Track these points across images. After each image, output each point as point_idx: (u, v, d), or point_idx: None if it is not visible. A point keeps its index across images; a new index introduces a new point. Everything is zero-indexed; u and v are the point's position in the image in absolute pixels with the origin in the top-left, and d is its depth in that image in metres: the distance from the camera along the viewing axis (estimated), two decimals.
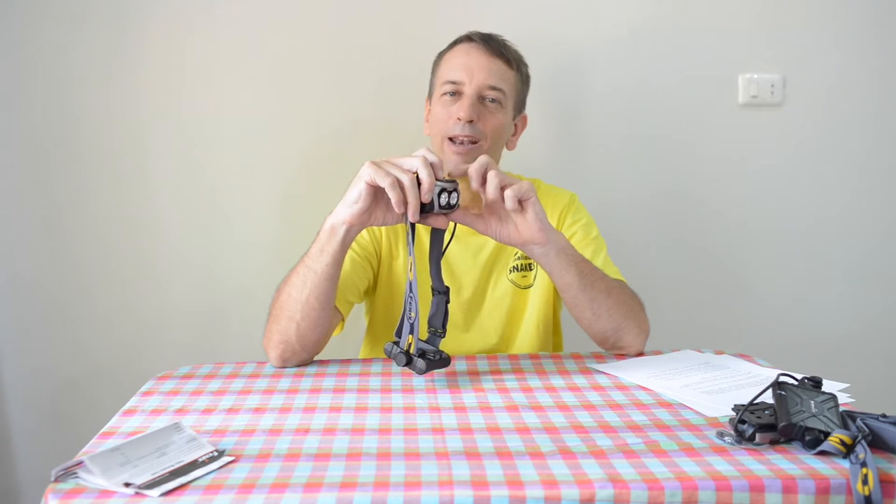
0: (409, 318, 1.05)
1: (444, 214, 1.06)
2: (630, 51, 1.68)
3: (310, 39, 1.62)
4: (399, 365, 1.06)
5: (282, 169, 1.65)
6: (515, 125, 1.40)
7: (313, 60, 1.63)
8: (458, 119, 1.28)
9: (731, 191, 1.74)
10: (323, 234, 1.09)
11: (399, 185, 1.01)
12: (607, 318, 1.17)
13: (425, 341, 1.09)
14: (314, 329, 1.14)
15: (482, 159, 1.06)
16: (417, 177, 1.01)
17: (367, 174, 1.02)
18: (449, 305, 1.10)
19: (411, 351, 1.05)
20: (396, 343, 1.08)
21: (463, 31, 1.38)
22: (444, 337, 1.10)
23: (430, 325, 1.10)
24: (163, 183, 1.62)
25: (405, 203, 1.01)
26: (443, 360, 1.07)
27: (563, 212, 1.38)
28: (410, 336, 1.05)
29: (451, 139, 1.30)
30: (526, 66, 1.39)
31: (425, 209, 1.03)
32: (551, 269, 1.14)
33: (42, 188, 1.60)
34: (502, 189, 1.05)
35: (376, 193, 1.04)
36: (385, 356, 1.12)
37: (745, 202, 1.75)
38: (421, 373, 1.05)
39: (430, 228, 1.09)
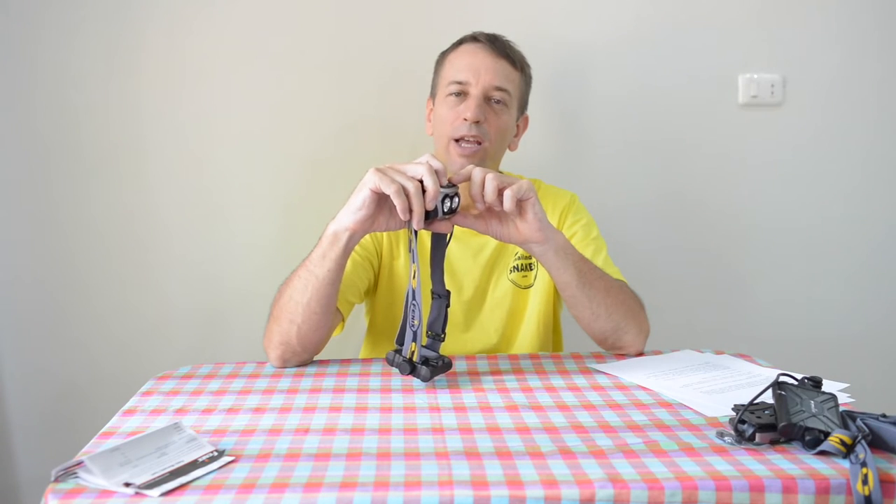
0: (413, 325, 1.04)
1: (447, 219, 1.06)
2: (630, 51, 1.68)
3: (310, 39, 1.62)
4: (403, 373, 1.06)
5: (282, 169, 1.65)
6: (517, 126, 1.40)
7: (314, 60, 1.62)
8: (465, 120, 1.28)
9: (732, 191, 1.74)
10: (325, 240, 1.09)
11: (404, 192, 1.00)
12: (606, 318, 1.17)
13: (426, 346, 1.08)
14: (315, 332, 1.14)
15: (478, 174, 1.05)
16: (422, 184, 1.01)
17: (371, 181, 1.02)
18: (449, 308, 1.09)
19: (414, 359, 1.05)
20: (398, 351, 1.07)
21: (464, 32, 1.38)
22: (444, 341, 1.09)
23: (430, 329, 1.09)
24: (163, 183, 1.62)
25: (410, 210, 1.01)
26: (445, 365, 1.06)
27: (563, 212, 1.38)
28: (413, 344, 1.05)
29: (456, 140, 1.30)
30: (529, 66, 1.40)
31: (429, 216, 1.03)
32: (550, 266, 1.14)
33: (42, 188, 1.60)
34: (500, 191, 1.05)
35: (380, 200, 1.04)
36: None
37: (746, 202, 1.75)
38: (426, 380, 1.05)
39: (430, 232, 1.09)
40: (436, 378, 1.07)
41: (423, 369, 1.04)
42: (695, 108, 1.71)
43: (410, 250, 1.04)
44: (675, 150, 1.72)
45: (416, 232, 1.03)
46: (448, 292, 1.09)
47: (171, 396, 1.02)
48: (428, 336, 1.09)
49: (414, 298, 1.04)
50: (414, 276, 1.03)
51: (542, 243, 1.11)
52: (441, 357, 1.07)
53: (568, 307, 1.21)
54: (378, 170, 1.02)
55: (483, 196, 1.04)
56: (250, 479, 0.75)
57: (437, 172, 1.01)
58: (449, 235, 1.10)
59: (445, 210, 1.04)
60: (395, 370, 1.12)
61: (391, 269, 1.35)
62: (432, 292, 1.10)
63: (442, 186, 1.02)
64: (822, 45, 1.71)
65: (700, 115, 1.71)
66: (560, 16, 1.66)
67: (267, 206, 1.65)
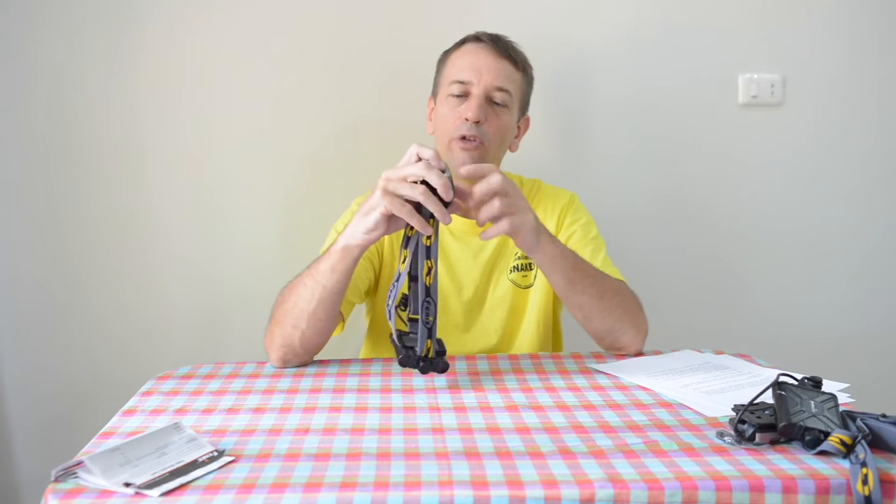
0: (427, 322, 1.03)
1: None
2: (630, 51, 1.68)
3: (311, 39, 1.62)
4: (424, 373, 1.05)
5: (282, 169, 1.64)
6: (518, 127, 1.40)
7: (314, 60, 1.62)
8: (466, 119, 1.28)
9: (732, 191, 1.74)
10: (335, 254, 1.09)
11: (417, 206, 1.00)
12: (600, 321, 1.18)
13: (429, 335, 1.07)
14: (319, 336, 1.14)
15: (496, 182, 1.05)
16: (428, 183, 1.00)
17: (381, 205, 1.01)
18: (449, 300, 1.09)
19: (430, 355, 1.04)
20: (412, 350, 1.04)
21: (464, 32, 1.38)
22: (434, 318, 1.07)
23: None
24: (163, 183, 1.62)
25: (429, 218, 1.00)
26: (442, 348, 1.06)
27: (562, 211, 1.38)
28: (429, 341, 1.03)
29: (457, 138, 1.29)
30: (531, 67, 1.40)
31: (446, 205, 1.01)
32: (541, 270, 1.16)
33: (42, 188, 1.60)
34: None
35: (391, 216, 1.03)
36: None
37: (746, 202, 1.75)
38: (444, 371, 1.05)
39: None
40: (435, 378, 1.07)
41: (441, 361, 1.04)
42: (695, 108, 1.71)
43: (429, 248, 1.03)
44: (675, 150, 1.72)
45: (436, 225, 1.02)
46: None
47: (171, 396, 1.02)
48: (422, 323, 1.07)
49: (429, 295, 1.03)
50: (429, 273, 1.03)
51: (529, 254, 1.12)
52: (439, 340, 1.06)
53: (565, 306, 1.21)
54: (385, 191, 1.01)
55: (474, 194, 1.05)
56: (250, 479, 0.75)
57: (431, 161, 1.01)
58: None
59: (455, 193, 1.03)
60: (394, 369, 1.12)
61: (392, 270, 1.35)
62: (411, 275, 1.06)
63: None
64: (822, 45, 1.71)
65: (700, 115, 1.71)
66: (560, 16, 1.66)
67: (267, 206, 1.65)
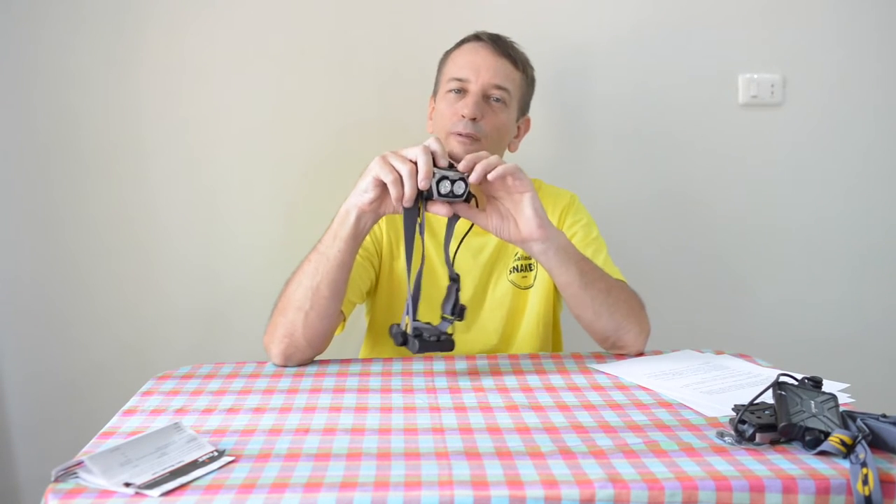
0: (408, 301, 1.08)
1: (450, 203, 1.07)
2: (630, 51, 1.68)
3: (311, 39, 1.62)
4: (396, 344, 1.08)
5: (282, 169, 1.64)
6: (518, 127, 1.40)
7: (314, 60, 1.62)
8: (462, 116, 1.29)
9: (732, 191, 1.74)
10: (336, 220, 1.12)
11: (400, 180, 1.04)
12: (608, 317, 1.18)
13: (435, 325, 1.10)
14: (322, 320, 1.14)
15: (469, 157, 1.07)
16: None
17: (374, 168, 1.06)
18: (459, 292, 1.12)
19: (408, 331, 1.08)
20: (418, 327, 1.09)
21: (465, 32, 1.38)
22: (452, 322, 1.11)
23: (442, 310, 1.13)
24: (163, 183, 1.62)
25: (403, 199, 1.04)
26: (441, 343, 1.07)
27: (563, 212, 1.38)
28: (406, 317, 1.08)
29: (453, 133, 1.30)
30: (532, 68, 1.40)
31: (426, 196, 1.05)
32: (551, 266, 1.14)
33: (42, 188, 1.60)
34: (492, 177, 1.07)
35: (384, 185, 1.06)
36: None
37: (746, 202, 1.75)
38: (415, 352, 1.06)
39: (445, 219, 1.10)
40: (436, 378, 1.07)
41: (414, 342, 1.06)
42: (695, 108, 1.71)
43: (405, 228, 1.06)
44: (675, 150, 1.72)
45: (412, 210, 1.06)
46: (457, 275, 1.12)
47: (171, 396, 1.02)
48: (443, 319, 1.12)
49: (409, 274, 1.08)
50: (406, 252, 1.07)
51: (542, 241, 1.11)
52: (443, 334, 1.07)
53: (569, 307, 1.21)
54: (382, 157, 1.06)
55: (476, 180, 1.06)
56: (250, 479, 0.75)
57: (435, 154, 1.05)
58: (467, 230, 1.15)
59: (443, 192, 1.05)
60: (394, 369, 1.12)
61: (391, 269, 1.35)
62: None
63: (443, 168, 1.05)
64: (822, 45, 1.71)
65: (700, 114, 1.71)
66: (560, 16, 1.66)
67: (267, 206, 1.65)
